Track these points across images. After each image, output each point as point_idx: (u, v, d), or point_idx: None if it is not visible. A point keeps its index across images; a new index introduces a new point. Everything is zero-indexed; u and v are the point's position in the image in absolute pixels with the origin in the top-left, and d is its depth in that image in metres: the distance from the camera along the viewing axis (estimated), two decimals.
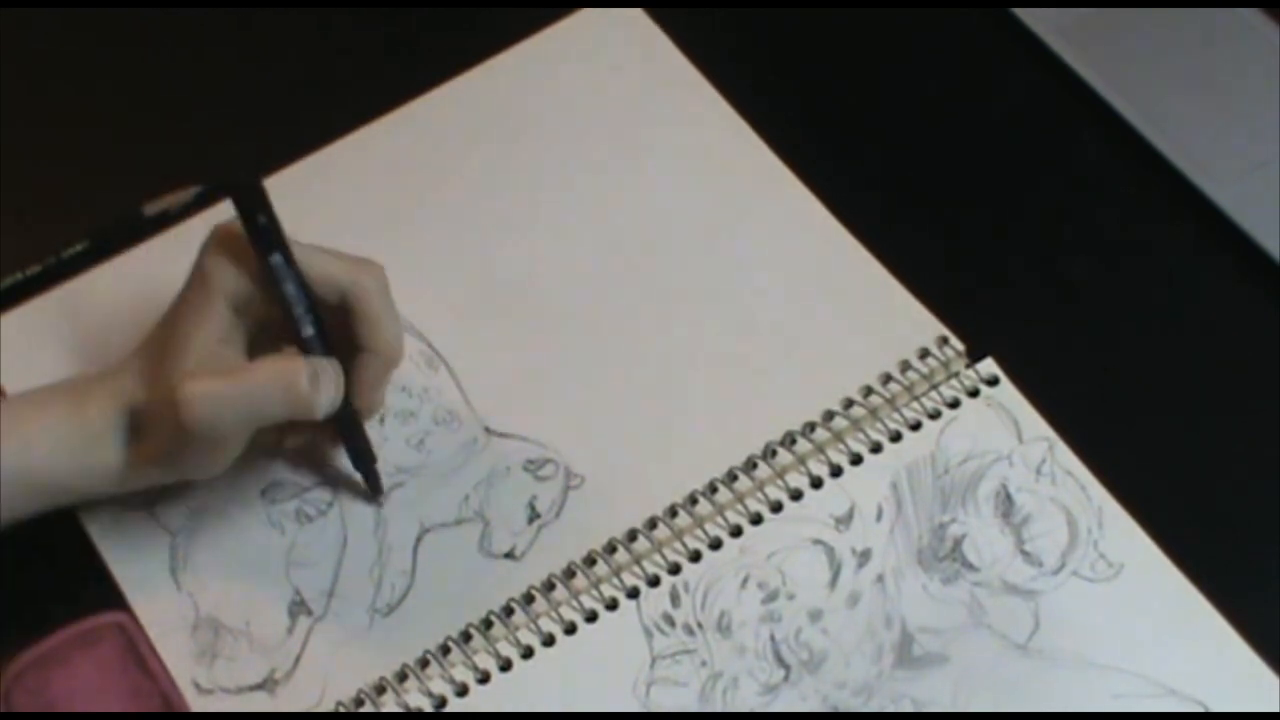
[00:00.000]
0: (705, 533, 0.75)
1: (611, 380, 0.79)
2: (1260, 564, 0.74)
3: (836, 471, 0.76)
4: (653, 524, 0.75)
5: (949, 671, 0.72)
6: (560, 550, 0.75)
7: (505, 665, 0.72)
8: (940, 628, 0.72)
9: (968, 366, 0.78)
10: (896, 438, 0.77)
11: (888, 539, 0.74)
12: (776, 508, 0.75)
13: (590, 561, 0.74)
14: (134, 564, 0.75)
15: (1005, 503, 0.75)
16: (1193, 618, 0.72)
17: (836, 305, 0.81)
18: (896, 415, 0.77)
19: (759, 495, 0.75)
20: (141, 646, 0.73)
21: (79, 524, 0.76)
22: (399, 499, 0.77)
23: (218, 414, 0.70)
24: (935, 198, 0.84)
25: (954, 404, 0.77)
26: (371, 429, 0.78)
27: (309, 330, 0.72)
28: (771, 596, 0.73)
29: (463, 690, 0.72)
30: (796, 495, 0.75)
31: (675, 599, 0.73)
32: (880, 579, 0.74)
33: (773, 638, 0.73)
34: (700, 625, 0.73)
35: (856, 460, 0.76)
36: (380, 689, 0.72)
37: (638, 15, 0.89)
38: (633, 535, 0.75)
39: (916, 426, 0.77)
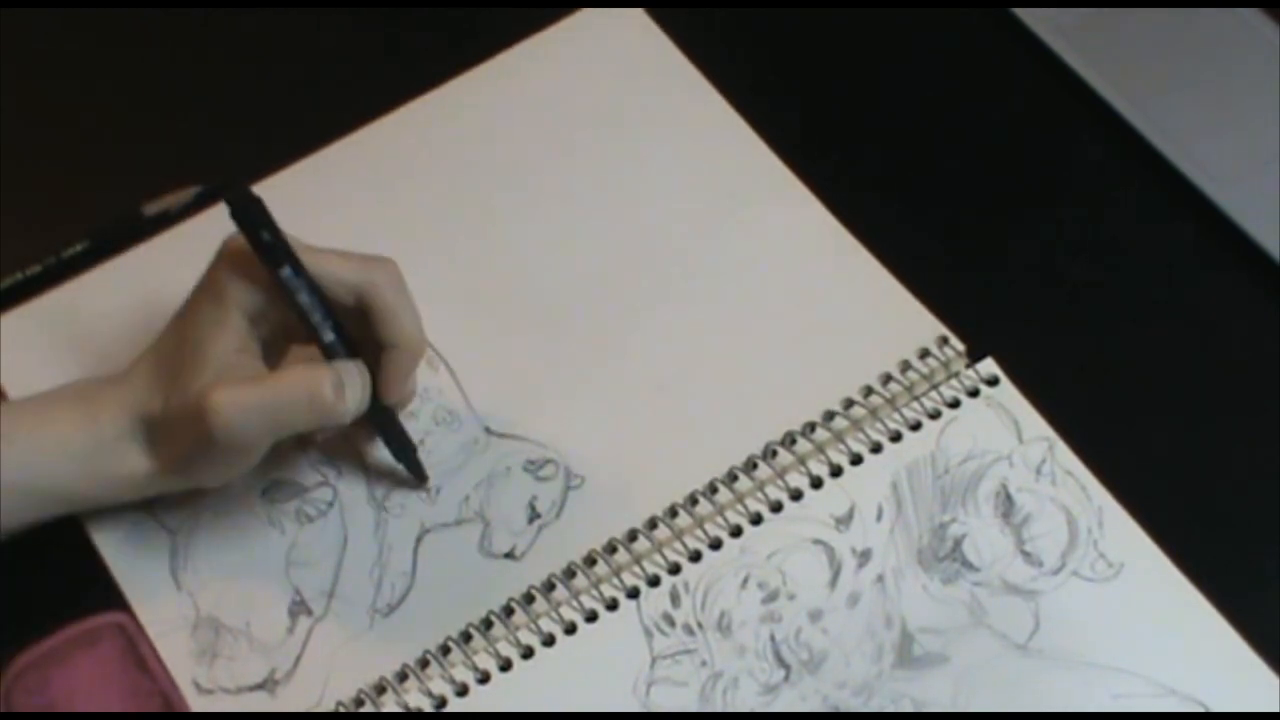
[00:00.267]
0: (705, 533, 0.75)
1: (611, 380, 0.79)
2: (1260, 564, 0.74)
3: (836, 471, 0.76)
4: (653, 524, 0.75)
5: (949, 671, 0.72)
6: (560, 550, 0.75)
7: (505, 665, 0.72)
8: (940, 628, 0.72)
9: (968, 366, 0.78)
10: (897, 438, 0.77)
11: (888, 539, 0.74)
12: (776, 508, 0.75)
13: (590, 561, 0.74)
14: (134, 564, 0.75)
15: (1005, 503, 0.75)
16: (1193, 618, 0.72)
17: (836, 305, 0.81)
18: (896, 415, 0.77)
19: (759, 495, 0.75)
20: (141, 646, 0.73)
21: (79, 524, 0.76)
22: (399, 499, 0.77)
23: (245, 422, 0.70)
24: (935, 198, 0.84)
25: (954, 404, 0.77)
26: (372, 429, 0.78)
27: (329, 336, 0.72)
28: (771, 596, 0.73)
29: (463, 690, 0.72)
30: (796, 495, 0.75)
31: (675, 599, 0.73)
32: (880, 579, 0.74)
33: (773, 638, 0.73)
34: (700, 625, 0.73)
35: (857, 460, 0.76)
36: (380, 689, 0.72)
37: (638, 15, 0.89)
38: (633, 535, 0.75)
39: (916, 426, 0.77)
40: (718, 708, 0.71)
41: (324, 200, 0.84)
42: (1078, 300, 0.81)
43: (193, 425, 0.70)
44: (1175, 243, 0.83)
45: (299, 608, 0.74)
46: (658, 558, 0.74)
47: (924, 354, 0.79)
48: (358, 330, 0.73)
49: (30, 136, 0.88)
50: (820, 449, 0.77)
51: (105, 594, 0.75)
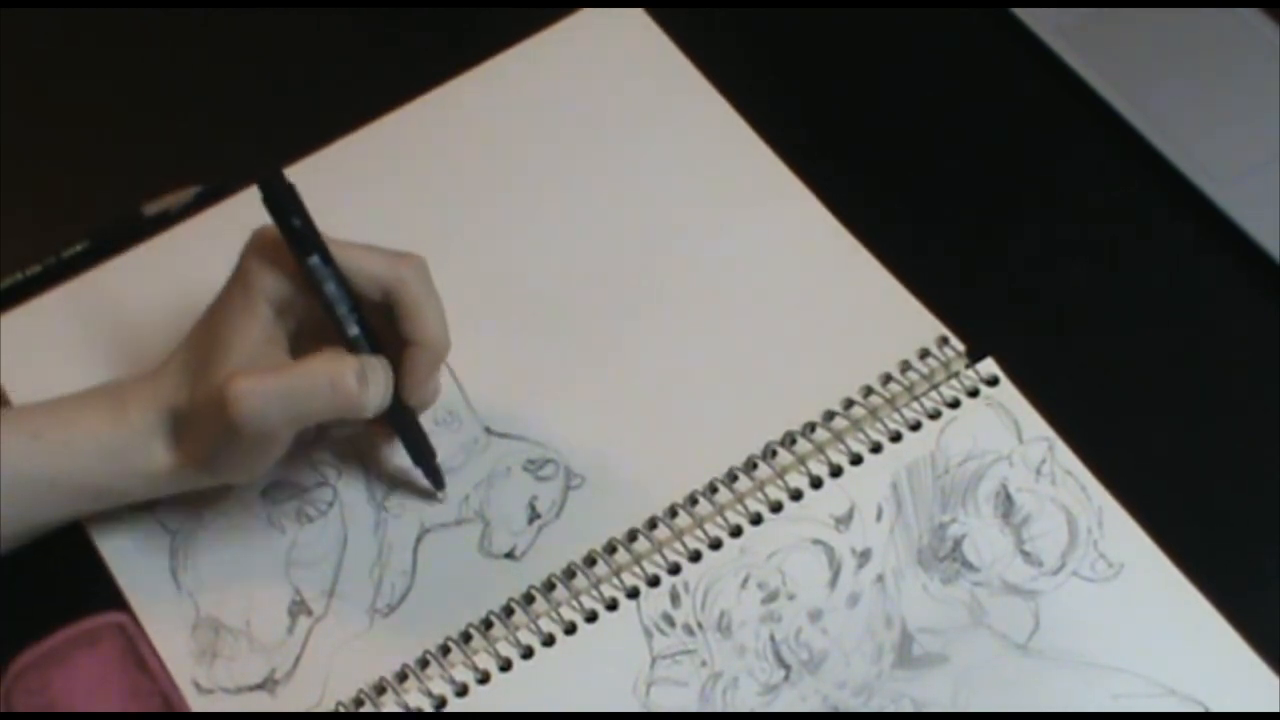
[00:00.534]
0: (705, 533, 0.75)
1: (612, 380, 0.79)
2: (1260, 564, 0.74)
3: (836, 471, 0.76)
4: (653, 524, 0.75)
5: (949, 671, 0.72)
6: (560, 550, 0.75)
7: (505, 665, 0.72)
8: (940, 628, 0.72)
9: (968, 366, 0.78)
10: (896, 438, 0.77)
11: (888, 539, 0.74)
12: (776, 508, 0.75)
13: (590, 561, 0.74)
14: (134, 564, 0.75)
15: (1005, 503, 0.75)
16: (1193, 618, 0.72)
17: (836, 305, 0.81)
18: (896, 415, 0.77)
19: (759, 495, 0.75)
20: (141, 646, 0.73)
21: (79, 524, 0.76)
22: (399, 499, 0.77)
23: (265, 411, 0.69)
24: (935, 198, 0.84)
25: (954, 404, 0.77)
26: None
27: (353, 330, 0.72)
28: (771, 596, 0.73)
29: (463, 690, 0.72)
30: (796, 495, 0.75)
31: (675, 599, 0.73)
32: (880, 579, 0.74)
33: (773, 638, 0.73)
34: (700, 625, 0.73)
35: (856, 460, 0.76)
36: (380, 689, 0.72)
37: (638, 15, 0.89)
38: (633, 535, 0.75)
39: (916, 426, 0.77)
40: (718, 708, 0.71)
41: (324, 200, 0.83)
42: (1078, 300, 0.81)
43: (216, 415, 0.70)
44: (1175, 243, 0.83)
45: (299, 608, 0.74)
46: (658, 558, 0.74)
47: (924, 354, 0.79)
48: (382, 327, 0.73)
49: (30, 136, 0.88)
50: (820, 449, 0.77)
51: (105, 594, 0.75)
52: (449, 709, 0.71)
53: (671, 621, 0.73)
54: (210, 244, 0.78)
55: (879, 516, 0.75)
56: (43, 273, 0.83)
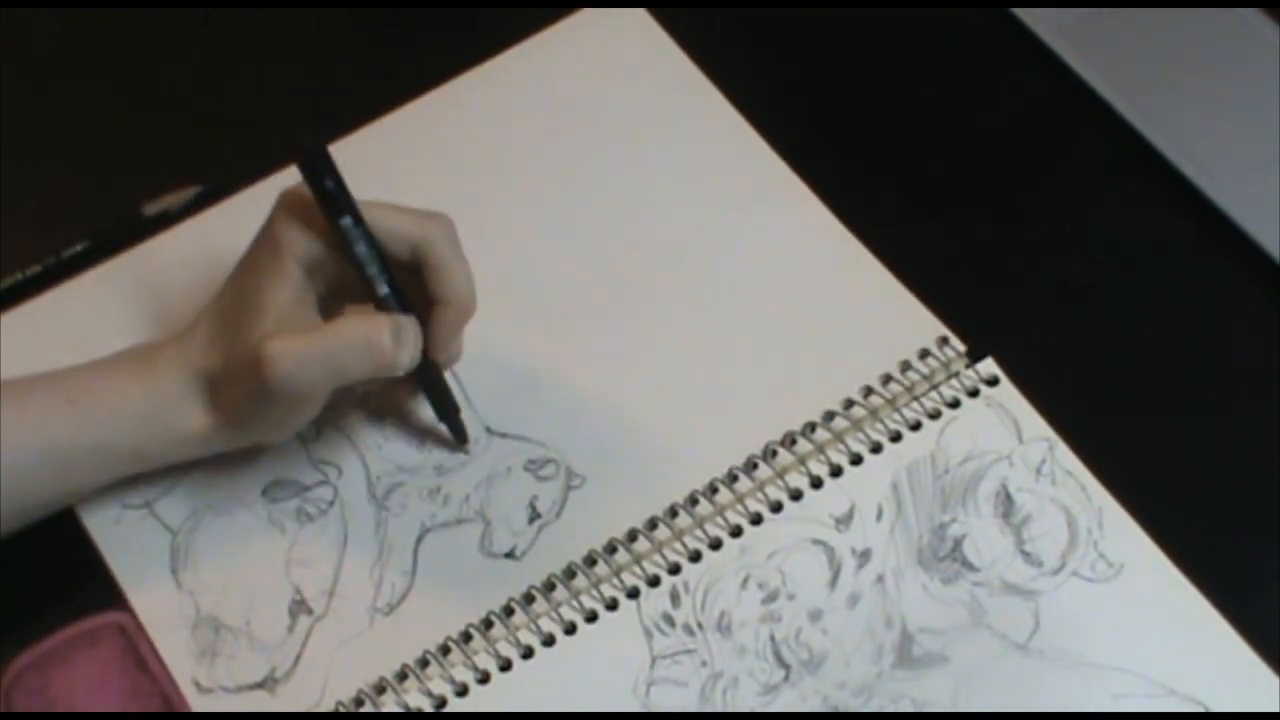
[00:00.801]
0: (705, 533, 0.75)
1: (612, 380, 0.79)
2: (1260, 564, 0.74)
3: (836, 471, 0.76)
4: (653, 524, 0.75)
5: (949, 671, 0.72)
6: (560, 550, 0.75)
7: (505, 665, 0.72)
8: (940, 628, 0.72)
9: (968, 366, 0.78)
10: (897, 438, 0.77)
11: (888, 539, 0.74)
12: (776, 508, 0.75)
13: (590, 561, 0.74)
14: (134, 563, 0.75)
15: (1005, 503, 0.75)
16: (1193, 618, 0.72)
17: (837, 305, 0.81)
18: (897, 415, 0.77)
19: (759, 495, 0.75)
20: (141, 646, 0.73)
21: (79, 524, 0.76)
22: (400, 498, 0.77)
23: (301, 372, 0.70)
24: (935, 198, 0.84)
25: (954, 404, 0.77)
26: (372, 427, 0.78)
27: (384, 289, 0.72)
28: (771, 596, 0.73)
29: (463, 690, 0.72)
30: (796, 495, 0.75)
31: (675, 599, 0.73)
32: (880, 579, 0.74)
33: (773, 638, 0.73)
34: (700, 625, 0.73)
35: (857, 460, 0.76)
36: (380, 689, 0.72)
37: (640, 15, 0.89)
38: (633, 535, 0.75)
39: (916, 426, 0.77)
40: (718, 708, 0.71)
41: None
42: (1077, 300, 0.81)
43: (251, 376, 0.70)
44: (1175, 243, 0.83)
45: (299, 607, 0.74)
46: (658, 558, 0.74)
47: (924, 354, 0.79)
48: (409, 286, 0.73)
49: (30, 136, 0.88)
50: (820, 449, 0.77)
51: (105, 594, 0.75)
52: (449, 709, 0.71)
53: (671, 621, 0.73)
54: (210, 244, 0.78)
55: (879, 516, 0.75)
56: (43, 273, 0.83)
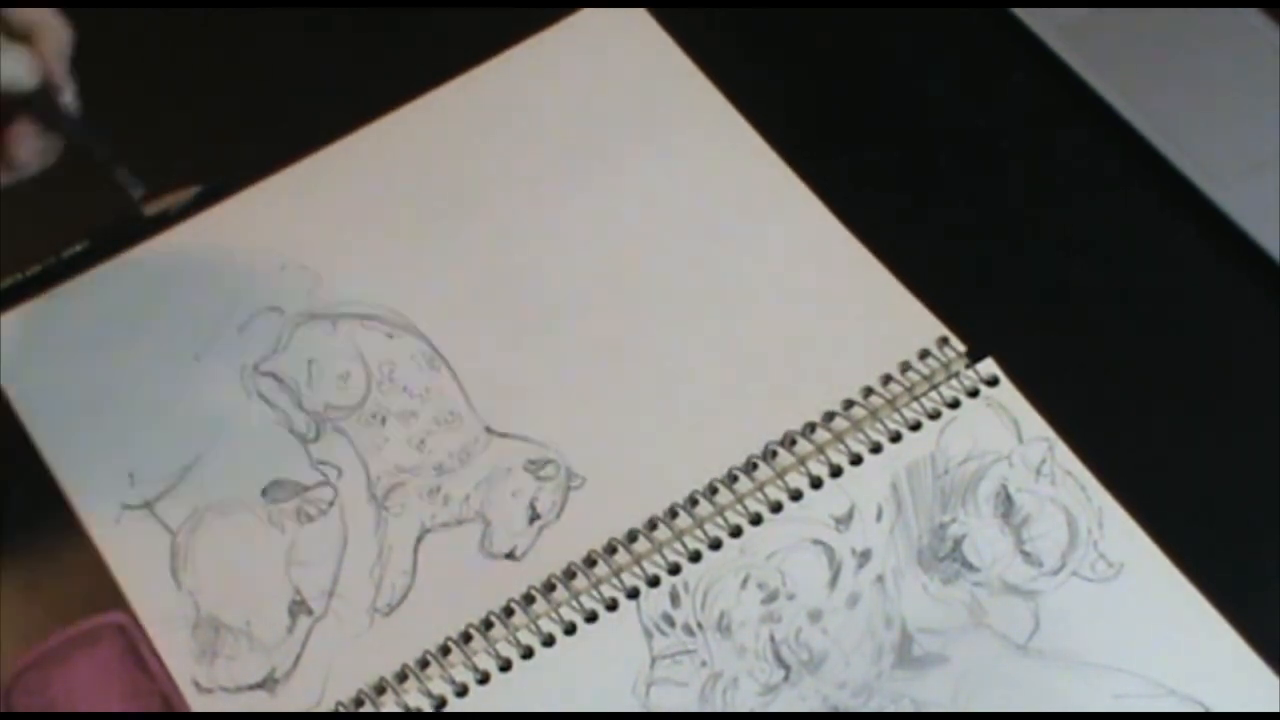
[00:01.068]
0: (705, 533, 0.75)
1: (612, 380, 0.79)
2: (1260, 564, 0.74)
3: (836, 472, 0.76)
4: (653, 524, 0.75)
5: (949, 671, 0.72)
6: (560, 550, 0.75)
7: (505, 665, 0.72)
8: (940, 628, 0.72)
9: (968, 367, 0.78)
10: (896, 438, 0.77)
11: (888, 539, 0.74)
12: (776, 508, 0.75)
13: (590, 562, 0.74)
14: (134, 564, 0.75)
15: (1005, 503, 0.75)
16: (1193, 618, 0.72)
17: (837, 305, 0.81)
18: (896, 415, 0.77)
19: (759, 495, 0.75)
20: (141, 646, 0.73)
21: (79, 524, 0.76)
22: (400, 499, 0.77)
23: None
24: (935, 198, 0.84)
25: (954, 404, 0.77)
26: (372, 429, 0.78)
27: None
28: (771, 596, 0.73)
29: (463, 690, 0.72)
30: (796, 495, 0.75)
31: (675, 599, 0.73)
32: (880, 579, 0.74)
33: (773, 638, 0.73)
34: (700, 625, 0.73)
35: (856, 460, 0.76)
36: (380, 689, 0.72)
37: (640, 15, 0.89)
38: (633, 535, 0.75)
39: (916, 427, 0.77)
40: (718, 708, 0.71)
41: (324, 200, 0.84)
42: (1077, 300, 0.81)
43: None
44: (1175, 243, 0.83)
45: (299, 607, 0.74)
46: (658, 558, 0.74)
47: (924, 354, 0.79)
48: None
49: None
50: (820, 449, 0.77)
51: (105, 594, 0.75)
52: (449, 709, 0.71)
53: (671, 621, 0.73)
54: (210, 244, 0.78)
55: (879, 517, 0.75)
56: (43, 273, 0.83)
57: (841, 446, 0.76)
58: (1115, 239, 0.83)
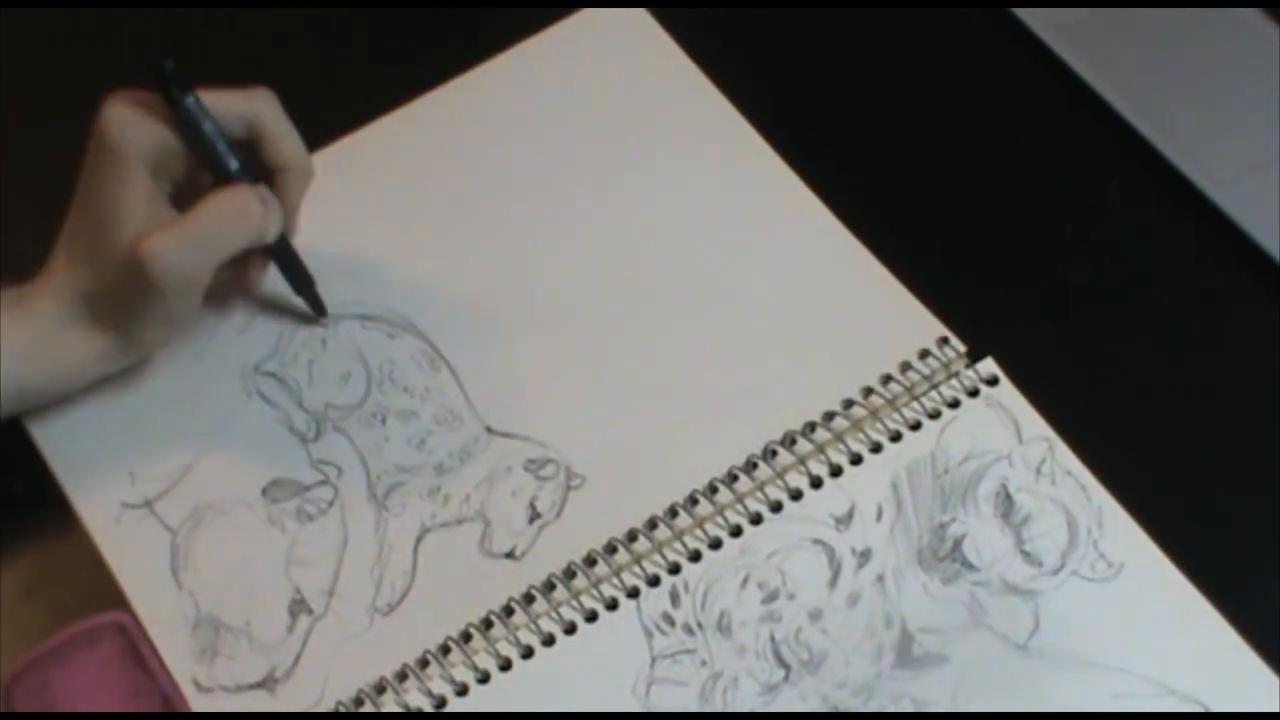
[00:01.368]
0: (705, 533, 0.75)
1: (613, 380, 0.79)
2: (1260, 564, 0.74)
3: (836, 471, 0.76)
4: (653, 524, 0.75)
5: (949, 671, 0.72)
6: (560, 550, 0.75)
7: (505, 665, 0.72)
8: (940, 628, 0.72)
9: (968, 367, 0.78)
10: (896, 438, 0.77)
11: (888, 539, 0.74)
12: (776, 508, 0.75)
13: (590, 561, 0.74)
14: (134, 563, 0.75)
15: (1005, 503, 0.75)
16: (1193, 618, 0.72)
17: (837, 305, 0.81)
18: (897, 415, 0.77)
19: (759, 495, 0.75)
20: (141, 646, 0.73)
21: (79, 523, 0.76)
22: (400, 498, 0.77)
23: (183, 259, 0.72)
24: (935, 198, 0.84)
25: (954, 404, 0.77)
26: (372, 428, 0.78)
27: (234, 163, 0.74)
28: (771, 596, 0.73)
29: (463, 690, 0.72)
30: (796, 495, 0.75)
31: (675, 599, 0.73)
32: (880, 579, 0.74)
33: (773, 638, 0.73)
34: (700, 625, 0.73)
35: (856, 460, 0.76)
36: (380, 689, 0.72)
37: (640, 15, 0.89)
38: (633, 535, 0.75)
39: (916, 426, 0.77)
40: (718, 708, 0.71)
41: (324, 200, 0.84)
42: (1078, 300, 0.81)
43: (134, 282, 0.72)
44: (1175, 243, 0.83)
45: (299, 606, 0.74)
46: (658, 558, 0.74)
47: (924, 354, 0.79)
48: (247, 163, 0.75)
49: (30, 136, 0.88)
50: (820, 449, 0.77)
51: (105, 594, 0.75)
52: (449, 709, 0.71)
53: (671, 621, 0.73)
54: None
55: (879, 516, 0.75)
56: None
57: (841, 446, 0.76)
58: (1115, 239, 0.83)
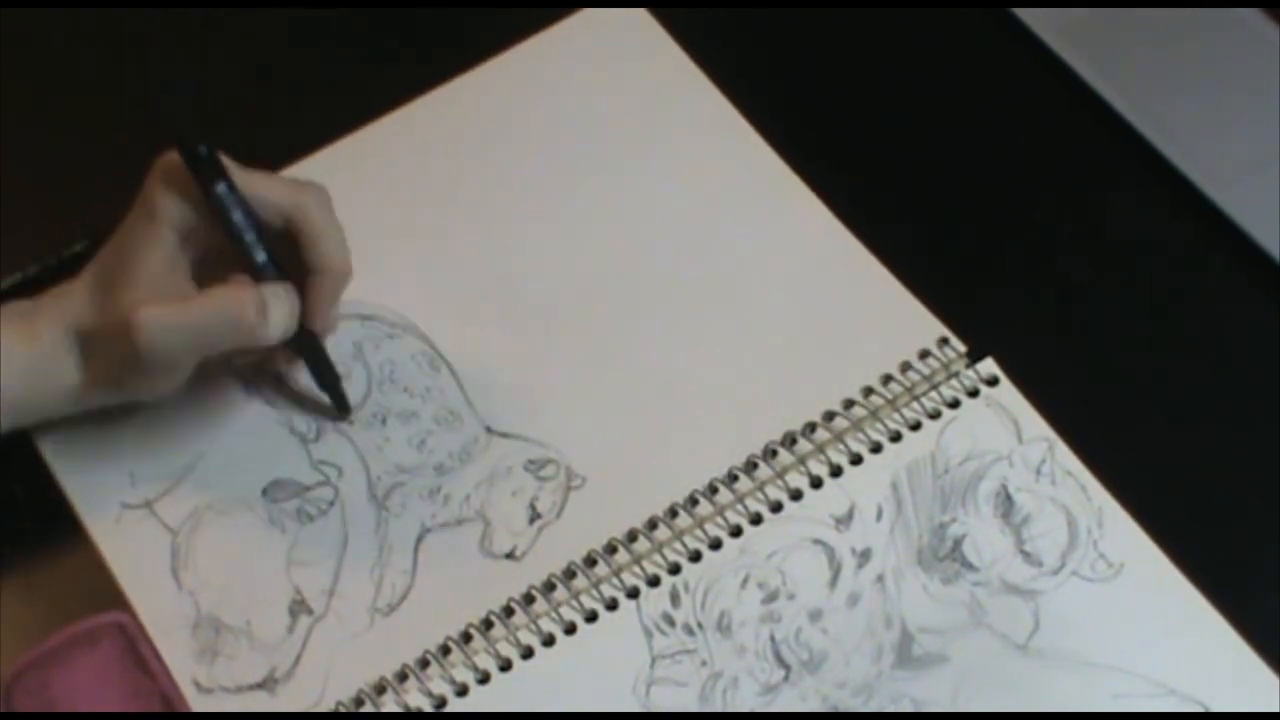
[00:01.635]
0: (705, 533, 0.75)
1: (613, 380, 0.79)
2: (1260, 564, 0.74)
3: (836, 471, 0.76)
4: (653, 524, 0.75)
5: (949, 671, 0.72)
6: (561, 550, 0.75)
7: (505, 665, 0.72)
8: (940, 628, 0.73)
9: (968, 367, 0.78)
10: (896, 438, 0.77)
11: (888, 539, 0.74)
12: (776, 508, 0.75)
13: (590, 561, 0.74)
14: (134, 563, 0.75)
15: (1005, 503, 0.75)
16: (1193, 618, 0.72)
17: (837, 305, 0.81)
18: (897, 415, 0.77)
19: (759, 495, 0.75)
20: (141, 646, 0.73)
21: (79, 523, 0.76)
22: (400, 499, 0.77)
23: (167, 341, 0.72)
24: (935, 198, 0.84)
25: (954, 404, 0.77)
26: (372, 429, 0.78)
27: (260, 257, 0.73)
28: (771, 596, 0.73)
29: (463, 690, 0.72)
30: (796, 495, 0.75)
31: (675, 599, 0.73)
32: (880, 579, 0.74)
33: (773, 638, 0.73)
34: (700, 625, 0.73)
35: (856, 460, 0.76)
36: (380, 689, 0.72)
37: (640, 15, 0.89)
38: (633, 535, 0.75)
39: (916, 426, 0.77)
40: (718, 708, 0.71)
41: None
42: (1078, 300, 0.81)
43: (121, 340, 0.72)
44: (1175, 243, 0.83)
45: (299, 607, 0.74)
46: (658, 558, 0.74)
47: (924, 354, 0.79)
48: (285, 255, 0.74)
49: (30, 136, 0.88)
50: (820, 449, 0.77)
51: (105, 594, 0.75)
52: (449, 709, 0.71)
53: (671, 621, 0.73)
54: None
55: (879, 516, 0.75)
56: (42, 273, 0.83)
57: (841, 446, 0.76)
58: (1115, 239, 0.83)
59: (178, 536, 0.76)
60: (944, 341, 0.79)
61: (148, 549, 0.76)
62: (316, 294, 0.75)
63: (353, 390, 0.79)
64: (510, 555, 0.75)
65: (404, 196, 0.85)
